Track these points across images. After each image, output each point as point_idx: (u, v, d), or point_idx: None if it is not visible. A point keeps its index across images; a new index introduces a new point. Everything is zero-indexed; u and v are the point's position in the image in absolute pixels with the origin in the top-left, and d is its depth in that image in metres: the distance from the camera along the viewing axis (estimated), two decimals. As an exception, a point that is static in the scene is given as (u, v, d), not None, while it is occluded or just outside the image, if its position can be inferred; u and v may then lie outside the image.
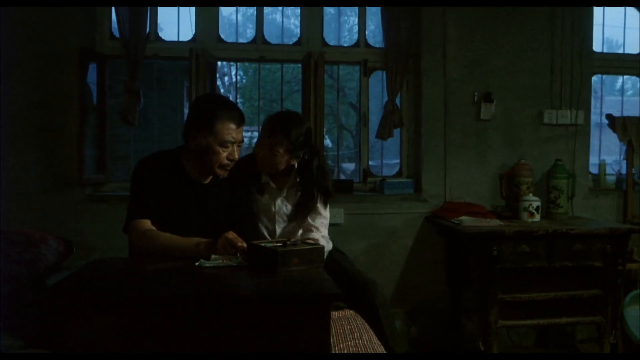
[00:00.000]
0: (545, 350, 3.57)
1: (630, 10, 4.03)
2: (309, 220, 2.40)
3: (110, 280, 1.63)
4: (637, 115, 3.80)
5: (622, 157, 3.88)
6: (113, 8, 3.40)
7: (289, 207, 2.43)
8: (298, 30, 3.74)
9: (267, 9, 3.82)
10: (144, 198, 2.02)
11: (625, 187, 3.74)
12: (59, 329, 1.32)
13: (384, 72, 3.67)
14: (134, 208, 2.02)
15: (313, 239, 2.35)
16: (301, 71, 3.70)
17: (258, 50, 3.68)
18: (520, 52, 3.66)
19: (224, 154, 2.04)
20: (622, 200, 3.77)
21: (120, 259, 2.02)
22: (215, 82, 3.66)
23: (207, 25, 3.62)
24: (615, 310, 3.17)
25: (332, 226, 3.51)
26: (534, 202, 3.34)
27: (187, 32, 3.66)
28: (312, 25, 3.70)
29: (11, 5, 3.24)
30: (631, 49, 4.06)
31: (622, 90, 4.92)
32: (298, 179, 2.41)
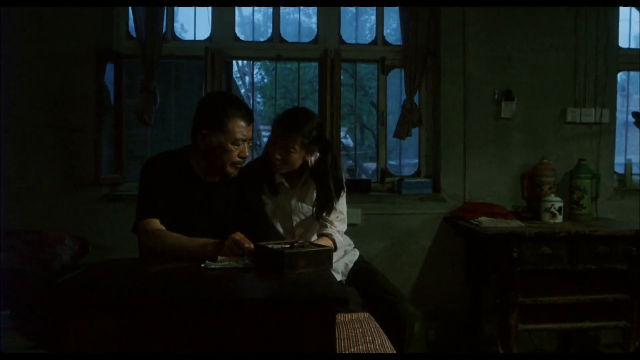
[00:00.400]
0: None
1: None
2: (324, 214, 2.36)
3: (113, 282, 1.61)
4: (666, 113, 3.68)
5: (649, 156, 3.77)
6: (130, 8, 3.40)
7: (305, 205, 2.40)
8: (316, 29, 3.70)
9: (286, 8, 3.79)
10: (153, 197, 2.01)
11: (653, 187, 3.62)
12: (60, 329, 1.31)
13: (403, 70, 3.61)
14: (143, 208, 2.01)
15: (327, 234, 2.32)
16: (318, 69, 3.66)
17: (274, 49, 3.66)
18: (543, 48, 3.57)
19: (236, 152, 2.04)
20: (649, 201, 3.65)
21: (127, 259, 2.01)
22: (231, 81, 3.64)
23: (223, 24, 3.61)
24: (641, 314, 3.07)
25: (349, 226, 3.48)
26: (556, 202, 3.25)
27: (205, 31, 3.65)
28: (329, 23, 3.65)
29: (32, 5, 3.27)
30: (660, 45, 3.94)
31: (650, 88, 4.78)
32: (311, 175, 2.37)
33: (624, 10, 3.71)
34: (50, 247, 2.77)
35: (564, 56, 3.58)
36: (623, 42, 3.75)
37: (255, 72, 12.36)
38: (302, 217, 2.40)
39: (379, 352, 1.86)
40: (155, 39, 3.35)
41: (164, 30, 3.46)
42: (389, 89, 3.78)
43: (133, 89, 3.63)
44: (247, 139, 2.06)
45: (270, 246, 1.70)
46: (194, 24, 3.75)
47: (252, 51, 3.72)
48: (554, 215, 3.24)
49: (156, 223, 1.98)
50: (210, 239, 1.87)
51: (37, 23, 3.32)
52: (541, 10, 3.54)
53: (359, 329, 2.05)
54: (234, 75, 11.08)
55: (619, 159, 3.80)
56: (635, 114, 3.70)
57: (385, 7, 3.76)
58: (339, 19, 3.68)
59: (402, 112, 3.58)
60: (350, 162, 13.39)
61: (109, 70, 3.52)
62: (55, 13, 3.32)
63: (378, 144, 3.83)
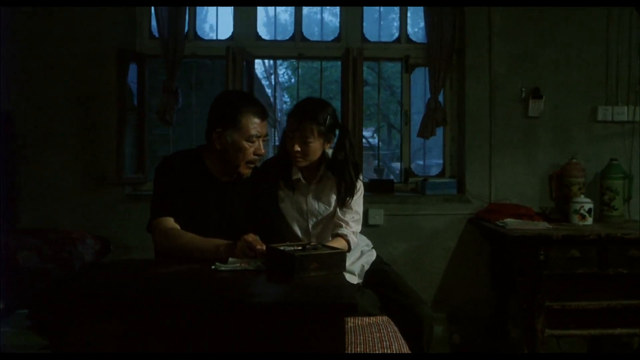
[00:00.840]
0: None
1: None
2: (339, 214, 2.32)
3: (120, 282, 1.60)
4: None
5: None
6: (153, 8, 3.41)
7: (322, 205, 2.36)
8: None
9: (312, 7, 3.76)
10: (167, 196, 2.00)
11: (689, 188, 3.46)
12: (64, 330, 1.29)
13: (427, 69, 3.54)
14: (157, 206, 2.00)
15: (342, 235, 2.27)
16: (340, 68, 3.61)
17: (296, 48, 3.62)
18: (572, 44, 3.45)
19: (251, 149, 2.02)
20: (685, 203, 3.50)
21: (139, 260, 2.00)
22: (253, 80, 3.61)
23: (245, 23, 3.59)
24: (675, 321, 2.94)
25: (371, 227, 3.44)
26: (586, 204, 3.14)
27: (229, 31, 3.63)
28: (352, 22, 3.61)
29: (56, 5, 3.30)
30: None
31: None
32: (328, 168, 2.33)
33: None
34: (72, 246, 2.79)
35: (595, 51, 3.46)
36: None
37: (282, 72, 12.38)
38: (319, 217, 2.36)
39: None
40: (178, 38, 3.35)
41: (186, 29, 3.46)
42: (414, 88, 3.71)
43: (157, 88, 3.65)
44: (262, 136, 2.04)
45: (282, 248, 1.66)
46: (216, 23, 3.74)
47: (274, 50, 3.70)
48: (583, 217, 3.14)
49: (170, 222, 1.96)
50: (224, 240, 1.85)
51: (61, 24, 3.36)
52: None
53: (376, 334, 2.00)
54: (261, 75, 11.13)
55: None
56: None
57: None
58: (362, 17, 3.63)
59: (426, 111, 3.51)
60: (377, 162, 13.33)
61: (133, 71, 3.54)
62: (78, 14, 3.35)
63: (402, 144, 3.76)
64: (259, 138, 2.02)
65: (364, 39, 3.62)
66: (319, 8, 3.95)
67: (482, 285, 3.45)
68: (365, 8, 3.64)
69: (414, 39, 3.71)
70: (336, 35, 3.68)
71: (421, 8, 3.52)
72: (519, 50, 3.46)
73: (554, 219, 3.24)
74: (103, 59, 3.36)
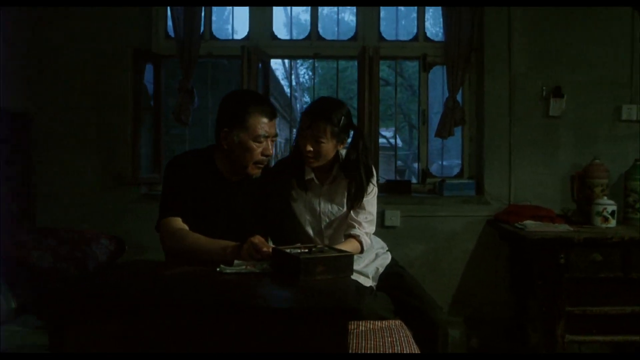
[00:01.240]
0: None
1: None
2: (352, 214, 2.27)
3: (123, 284, 1.58)
4: None
5: None
6: (169, 8, 3.41)
7: (335, 206, 2.31)
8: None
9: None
10: (176, 196, 1.98)
11: None
12: (62, 331, 1.28)
13: (445, 67, 3.47)
14: (166, 206, 1.98)
15: (354, 236, 2.23)
16: (357, 67, 3.56)
17: (312, 47, 3.59)
18: (595, 41, 3.35)
19: (259, 150, 1.98)
20: None
21: (148, 261, 1.99)
22: (269, 80, 3.59)
23: (261, 22, 3.57)
24: (703, 328, 2.83)
25: (387, 229, 3.40)
26: (609, 206, 3.05)
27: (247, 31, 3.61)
28: (368, 20, 3.56)
29: (73, 5, 3.32)
30: None
31: None
32: (341, 169, 2.29)
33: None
34: (86, 246, 2.79)
35: (619, 49, 3.35)
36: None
37: (303, 72, 12.35)
38: (332, 218, 2.32)
39: (407, 363, 1.76)
40: (193, 38, 3.34)
41: (201, 29, 3.45)
42: (433, 88, 3.65)
43: (174, 89, 3.64)
44: (270, 136, 2.00)
45: (288, 251, 1.62)
46: (231, 23, 3.73)
47: (290, 50, 3.67)
48: (606, 220, 3.05)
49: (178, 222, 1.94)
50: (231, 242, 1.82)
51: (78, 24, 3.38)
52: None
53: (388, 338, 1.95)
54: (282, 76, 11.12)
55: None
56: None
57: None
58: (378, 15, 3.58)
59: (444, 110, 3.45)
60: (400, 162, 13.23)
61: (149, 71, 3.55)
62: (95, 14, 3.36)
63: (419, 144, 3.71)
64: (267, 138, 1.99)
65: (381, 38, 3.58)
66: (338, 7, 3.89)
67: (501, 289, 3.37)
68: (383, 6, 3.59)
69: (434, 37, 3.64)
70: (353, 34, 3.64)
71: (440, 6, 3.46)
72: (539, 47, 3.37)
73: (576, 221, 3.15)
74: (119, 59, 3.38)
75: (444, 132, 3.44)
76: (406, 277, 2.41)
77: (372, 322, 2.07)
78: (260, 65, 3.45)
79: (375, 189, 2.32)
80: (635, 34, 3.34)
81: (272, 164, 2.69)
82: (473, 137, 3.56)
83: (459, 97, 3.44)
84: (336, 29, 3.98)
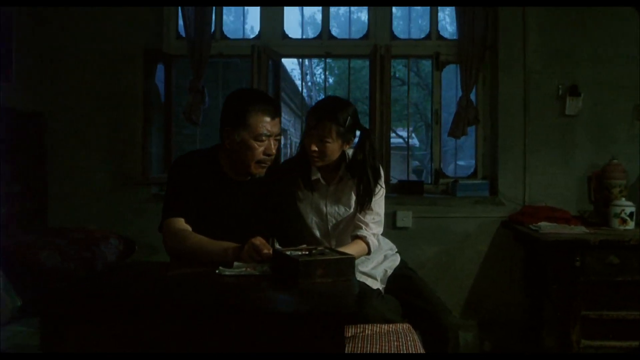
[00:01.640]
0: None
1: None
2: (359, 215, 2.23)
3: (121, 286, 1.55)
4: None
5: None
6: (180, 8, 3.41)
7: (341, 207, 2.27)
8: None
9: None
10: (179, 197, 1.96)
11: None
12: (54, 334, 1.26)
13: (458, 66, 3.41)
14: (169, 206, 1.96)
15: (361, 237, 2.18)
16: (369, 66, 3.52)
17: (323, 46, 3.56)
18: (613, 38, 3.27)
19: (260, 149, 1.94)
20: None
21: (151, 262, 1.97)
22: (279, 79, 3.56)
23: (272, 22, 3.54)
24: None
25: (399, 230, 3.35)
26: (627, 207, 2.97)
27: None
28: (380, 18, 3.52)
29: (84, 6, 3.33)
30: None
31: None
32: (347, 169, 2.24)
33: None
34: (95, 246, 2.79)
35: (637, 45, 3.26)
36: None
37: (319, 72, 12.32)
38: (339, 219, 2.28)
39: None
40: (204, 38, 3.33)
41: (212, 29, 3.43)
42: (449, 87, 3.59)
43: (185, 88, 3.64)
44: (273, 135, 1.96)
45: (288, 253, 1.59)
46: (242, 23, 3.71)
47: (301, 49, 3.64)
48: (624, 221, 2.96)
49: (181, 223, 1.92)
50: (232, 243, 1.79)
51: (89, 25, 3.39)
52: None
53: (394, 342, 1.91)
54: (298, 76, 11.10)
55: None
56: None
57: None
58: (391, 14, 3.54)
59: (457, 109, 3.39)
60: (417, 162, 13.13)
61: (161, 71, 3.55)
62: (106, 15, 3.38)
63: (432, 144, 3.65)
64: (269, 137, 1.95)
65: (393, 36, 3.53)
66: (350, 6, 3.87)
67: (515, 291, 3.31)
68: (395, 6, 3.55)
69: (448, 35, 3.58)
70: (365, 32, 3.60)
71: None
72: (555, 45, 3.30)
73: (593, 223, 3.07)
74: (130, 59, 3.39)
75: (457, 131, 3.39)
76: (415, 280, 2.36)
77: (378, 325, 2.03)
78: (271, 64, 3.43)
79: (383, 190, 2.27)
80: (654, 31, 3.25)
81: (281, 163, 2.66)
82: (487, 137, 3.50)
83: (472, 96, 3.38)
84: (348, 27, 3.95)
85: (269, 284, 1.52)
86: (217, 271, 1.62)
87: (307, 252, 1.61)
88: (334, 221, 2.28)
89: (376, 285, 2.23)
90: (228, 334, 1.29)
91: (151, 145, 3.47)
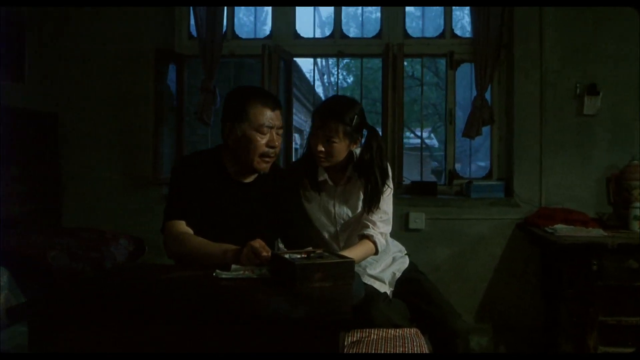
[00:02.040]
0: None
1: None
2: (366, 214, 2.18)
3: (115, 289, 1.53)
4: None
5: None
6: (191, 8, 3.40)
7: (349, 207, 2.23)
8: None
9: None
10: (181, 198, 1.93)
11: None
12: (45, 340, 1.24)
13: (473, 65, 3.35)
14: (170, 209, 1.93)
15: (368, 236, 2.13)
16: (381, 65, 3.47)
17: (335, 45, 3.52)
18: (632, 36, 3.16)
19: (263, 141, 1.91)
20: None
21: (152, 265, 1.94)
22: (291, 79, 3.53)
23: (284, 21, 3.52)
24: None
25: (411, 232, 3.29)
26: (647, 209, 2.88)
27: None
28: (393, 17, 3.47)
29: (98, 5, 3.35)
30: None
31: None
32: (355, 170, 2.20)
33: None
34: (104, 246, 2.79)
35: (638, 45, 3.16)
36: None
37: (336, 72, 12.26)
38: (347, 220, 2.23)
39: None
40: (216, 38, 3.31)
41: (224, 29, 3.42)
42: (468, 86, 3.53)
43: (197, 88, 3.63)
44: (275, 127, 1.93)
45: (286, 256, 1.54)
46: (254, 22, 3.68)
47: (313, 48, 3.60)
48: (644, 224, 2.87)
49: (182, 225, 1.89)
50: (232, 245, 1.76)
51: (102, 25, 3.41)
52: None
53: (400, 348, 1.86)
54: (317, 76, 11.06)
55: None
56: None
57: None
58: (404, 12, 3.49)
59: (471, 109, 3.32)
60: (435, 163, 12.99)
61: (173, 71, 3.54)
62: (119, 15, 3.39)
63: (446, 144, 3.59)
64: (271, 129, 1.91)
65: (406, 35, 3.47)
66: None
67: (530, 295, 3.23)
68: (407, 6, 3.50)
69: (466, 33, 3.52)
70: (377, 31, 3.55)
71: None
72: (573, 42, 3.22)
73: (611, 226, 2.99)
74: (142, 59, 3.39)
75: (471, 131, 3.32)
76: (424, 283, 2.29)
77: (385, 330, 1.99)
78: (282, 64, 3.40)
79: (390, 189, 2.22)
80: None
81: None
82: (502, 137, 3.42)
83: (487, 96, 3.31)
84: (361, 26, 3.91)
85: (265, 287, 1.48)
86: (214, 274, 1.59)
87: (305, 256, 1.57)
88: (342, 222, 2.24)
89: (384, 288, 2.18)
90: (220, 338, 1.26)
91: (163, 145, 3.47)
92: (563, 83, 3.23)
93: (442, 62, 3.69)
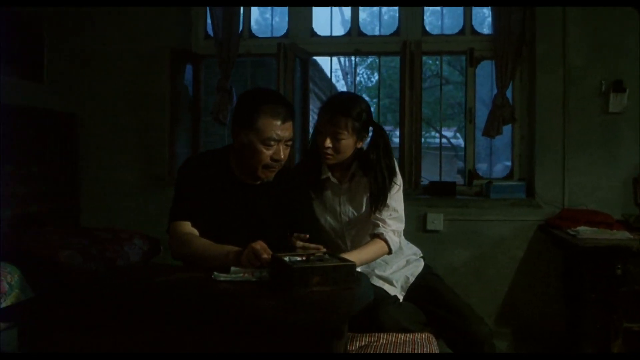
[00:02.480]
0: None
1: None
2: (374, 213, 2.12)
3: (114, 291, 1.51)
4: None
5: None
6: (208, 8, 3.39)
7: (355, 206, 2.17)
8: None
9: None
10: (186, 199, 1.90)
11: None
12: (43, 342, 1.23)
13: (493, 62, 3.26)
14: (175, 209, 1.91)
15: (379, 234, 2.08)
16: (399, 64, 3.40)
17: (352, 43, 3.47)
18: (661, 29, 3.05)
19: (267, 153, 1.83)
20: None
21: (158, 265, 1.92)
22: (308, 78, 3.49)
23: (300, 20, 3.48)
24: None
25: (429, 233, 3.22)
26: (676, 211, 2.75)
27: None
28: (410, 14, 3.40)
29: (116, 5, 3.36)
30: None
31: None
32: (360, 167, 2.15)
33: None
34: (118, 246, 2.79)
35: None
36: None
37: (361, 72, 12.17)
38: (353, 219, 2.18)
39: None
40: (232, 38, 3.30)
41: (240, 29, 3.40)
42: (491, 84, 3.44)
43: (214, 88, 3.62)
44: (283, 140, 1.84)
45: (286, 258, 1.50)
46: (271, 21, 3.66)
47: (330, 46, 3.55)
48: (672, 227, 2.75)
49: (187, 226, 1.87)
50: (234, 247, 1.72)
51: (120, 25, 3.43)
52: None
53: (408, 352, 1.80)
54: (341, 75, 11.01)
55: None
56: None
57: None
58: (422, 9, 3.42)
59: (492, 108, 3.24)
60: (461, 163, 12.79)
61: (189, 71, 3.54)
62: (136, 15, 3.41)
63: (466, 143, 3.50)
64: (277, 142, 1.83)
65: (425, 32, 3.40)
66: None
67: (553, 299, 3.12)
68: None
69: (487, 30, 3.43)
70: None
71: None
72: (598, 39, 3.10)
73: (638, 228, 2.86)
74: (159, 59, 3.39)
75: (491, 130, 3.24)
76: (441, 288, 2.21)
77: (394, 334, 1.93)
78: (298, 62, 3.36)
79: (398, 186, 2.16)
80: None
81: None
82: (524, 136, 3.32)
83: (508, 94, 3.22)
84: (378, 24, 3.85)
85: (262, 290, 1.44)
86: (212, 276, 1.56)
87: (304, 258, 1.52)
88: (347, 220, 2.19)
89: (394, 291, 2.13)
90: (215, 341, 1.23)
91: (179, 145, 3.46)
92: (587, 80, 3.12)
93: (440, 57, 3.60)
